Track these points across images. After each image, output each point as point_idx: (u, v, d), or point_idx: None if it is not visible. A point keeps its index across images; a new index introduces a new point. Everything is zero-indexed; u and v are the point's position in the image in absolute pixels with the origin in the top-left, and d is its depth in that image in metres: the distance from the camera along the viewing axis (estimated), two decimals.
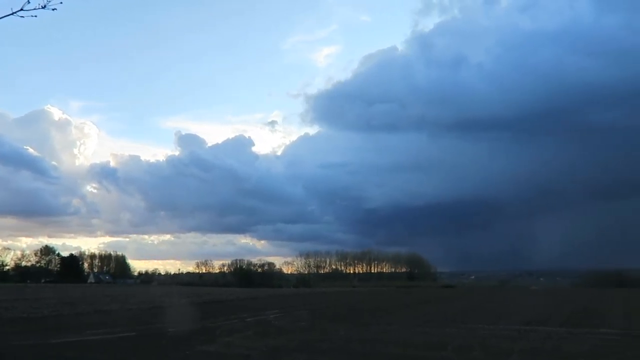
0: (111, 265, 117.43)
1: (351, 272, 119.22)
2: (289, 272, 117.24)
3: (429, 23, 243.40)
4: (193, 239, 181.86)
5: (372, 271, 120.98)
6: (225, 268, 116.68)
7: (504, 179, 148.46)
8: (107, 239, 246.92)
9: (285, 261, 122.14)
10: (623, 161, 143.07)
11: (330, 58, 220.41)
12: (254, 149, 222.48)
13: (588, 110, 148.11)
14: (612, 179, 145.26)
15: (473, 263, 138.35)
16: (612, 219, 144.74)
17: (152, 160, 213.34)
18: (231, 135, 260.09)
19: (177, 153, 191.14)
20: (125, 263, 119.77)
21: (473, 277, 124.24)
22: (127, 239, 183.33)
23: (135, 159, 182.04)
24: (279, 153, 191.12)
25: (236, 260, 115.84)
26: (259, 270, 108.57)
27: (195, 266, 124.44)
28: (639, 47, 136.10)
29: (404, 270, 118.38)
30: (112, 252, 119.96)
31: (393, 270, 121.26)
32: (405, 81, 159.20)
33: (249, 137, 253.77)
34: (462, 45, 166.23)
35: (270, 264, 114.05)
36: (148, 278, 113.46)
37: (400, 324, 18.70)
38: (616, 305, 28.44)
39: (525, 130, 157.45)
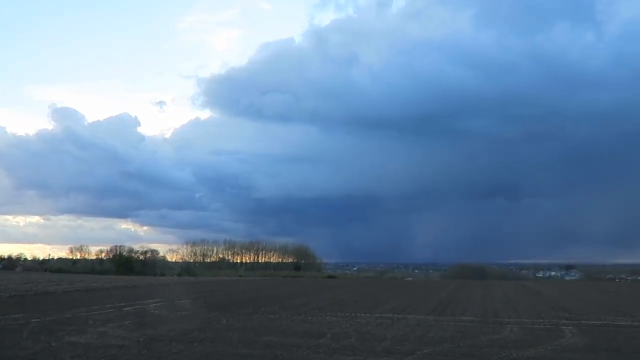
0: None
1: (239, 261, 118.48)
2: (174, 260, 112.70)
3: (325, 18, 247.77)
4: (66, 222, 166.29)
5: (260, 261, 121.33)
6: (103, 254, 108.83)
7: (388, 175, 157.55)
8: None
9: (170, 249, 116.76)
10: (489, 165, 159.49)
11: (228, 42, 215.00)
12: (139, 129, 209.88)
13: (461, 116, 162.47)
14: (479, 180, 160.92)
15: (356, 255, 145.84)
16: (478, 218, 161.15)
17: (20, 133, 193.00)
18: (115, 113, 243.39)
19: (50, 127, 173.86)
20: None
21: (355, 268, 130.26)
22: None
23: None
24: (167, 136, 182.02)
25: (116, 246, 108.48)
26: (141, 257, 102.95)
27: (68, 251, 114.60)
28: (508, 63, 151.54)
29: (290, 260, 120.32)
30: None
31: (280, 260, 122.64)
32: (300, 74, 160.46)
33: (135, 116, 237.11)
34: (355, 45, 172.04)
35: (154, 251, 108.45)
36: (11, 264, 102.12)
37: (283, 313, 19.09)
38: (476, 296, 31.67)
39: (409, 131, 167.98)
